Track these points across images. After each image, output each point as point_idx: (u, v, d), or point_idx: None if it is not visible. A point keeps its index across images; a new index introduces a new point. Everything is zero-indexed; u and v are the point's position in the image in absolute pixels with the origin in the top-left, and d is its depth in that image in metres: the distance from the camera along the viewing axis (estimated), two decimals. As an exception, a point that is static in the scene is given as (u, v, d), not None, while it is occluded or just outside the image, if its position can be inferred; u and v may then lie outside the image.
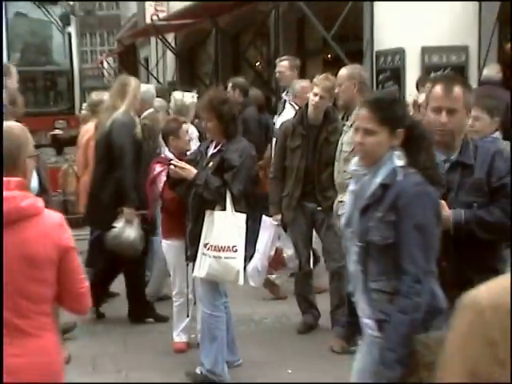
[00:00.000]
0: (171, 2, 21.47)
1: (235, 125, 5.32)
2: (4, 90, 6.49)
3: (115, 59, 32.77)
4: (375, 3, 11.57)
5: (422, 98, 8.64)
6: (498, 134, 5.09)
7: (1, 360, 3.97)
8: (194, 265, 5.24)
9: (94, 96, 7.80)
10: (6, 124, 3.26)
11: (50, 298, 3.10)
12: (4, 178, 3.04)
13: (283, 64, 8.18)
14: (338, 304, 6.33)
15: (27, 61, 14.38)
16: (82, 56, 16.51)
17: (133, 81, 6.66)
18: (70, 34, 14.02)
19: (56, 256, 3.04)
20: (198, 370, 5.26)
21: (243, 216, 5.23)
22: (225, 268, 5.13)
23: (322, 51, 14.24)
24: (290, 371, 5.61)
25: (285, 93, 8.15)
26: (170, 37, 21.12)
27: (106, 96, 7.07)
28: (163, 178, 5.62)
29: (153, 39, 23.79)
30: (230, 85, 8.71)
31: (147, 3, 22.22)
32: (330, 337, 6.09)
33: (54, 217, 3.14)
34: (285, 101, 8.00)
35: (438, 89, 3.62)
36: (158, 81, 21.75)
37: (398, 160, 3.21)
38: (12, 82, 6.66)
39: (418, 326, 3.03)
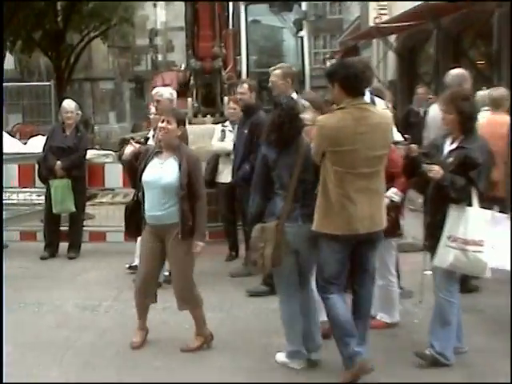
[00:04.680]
0: (393, 6, 21.36)
1: (472, 122, 5.27)
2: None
3: (337, 60, 33.07)
4: None
5: None
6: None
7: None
8: (432, 254, 5.30)
9: None
10: None
11: None
12: None
13: (275, 73, 7.36)
14: None
15: (261, 63, 14.91)
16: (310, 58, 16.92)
17: None
18: (302, 38, 14.34)
19: None
20: (427, 351, 5.27)
21: (488, 212, 5.26)
22: (472, 261, 5.14)
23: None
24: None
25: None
26: (392, 38, 21.00)
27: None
28: None
29: (374, 41, 23.77)
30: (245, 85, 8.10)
31: (371, 8, 22.26)
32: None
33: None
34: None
35: None
36: (378, 80, 21.70)
37: None
38: None
39: (253, 214, 5.28)
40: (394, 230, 5.89)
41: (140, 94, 32.83)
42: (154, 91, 8.15)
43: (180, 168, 5.59)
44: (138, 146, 6.08)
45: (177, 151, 5.68)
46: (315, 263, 5.21)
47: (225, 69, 11.62)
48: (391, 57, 21.96)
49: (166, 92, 8.03)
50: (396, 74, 21.28)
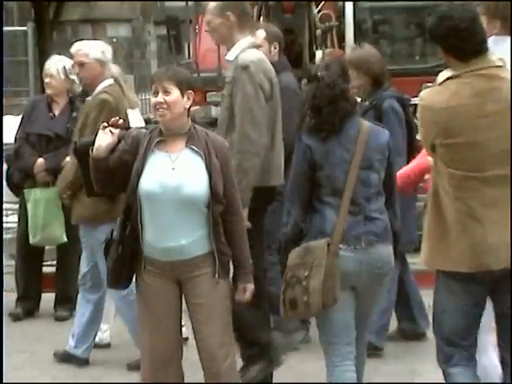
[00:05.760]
0: None
1: None
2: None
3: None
4: None
5: None
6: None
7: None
8: None
9: None
10: None
11: None
12: None
13: (209, 7, 7.02)
14: None
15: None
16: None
17: None
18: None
19: None
20: None
21: None
22: None
23: None
24: None
25: None
26: None
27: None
28: None
29: None
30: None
31: None
32: None
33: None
34: None
35: None
36: None
37: None
38: None
39: (288, 235, 5.75)
40: None
41: (176, 45, 33.14)
42: (73, 47, 8.08)
43: (208, 167, 5.56)
44: (117, 131, 5.75)
45: (194, 137, 5.65)
46: (374, 313, 5.82)
47: (317, 5, 11.62)
48: None
49: (93, 49, 8.02)
50: None
